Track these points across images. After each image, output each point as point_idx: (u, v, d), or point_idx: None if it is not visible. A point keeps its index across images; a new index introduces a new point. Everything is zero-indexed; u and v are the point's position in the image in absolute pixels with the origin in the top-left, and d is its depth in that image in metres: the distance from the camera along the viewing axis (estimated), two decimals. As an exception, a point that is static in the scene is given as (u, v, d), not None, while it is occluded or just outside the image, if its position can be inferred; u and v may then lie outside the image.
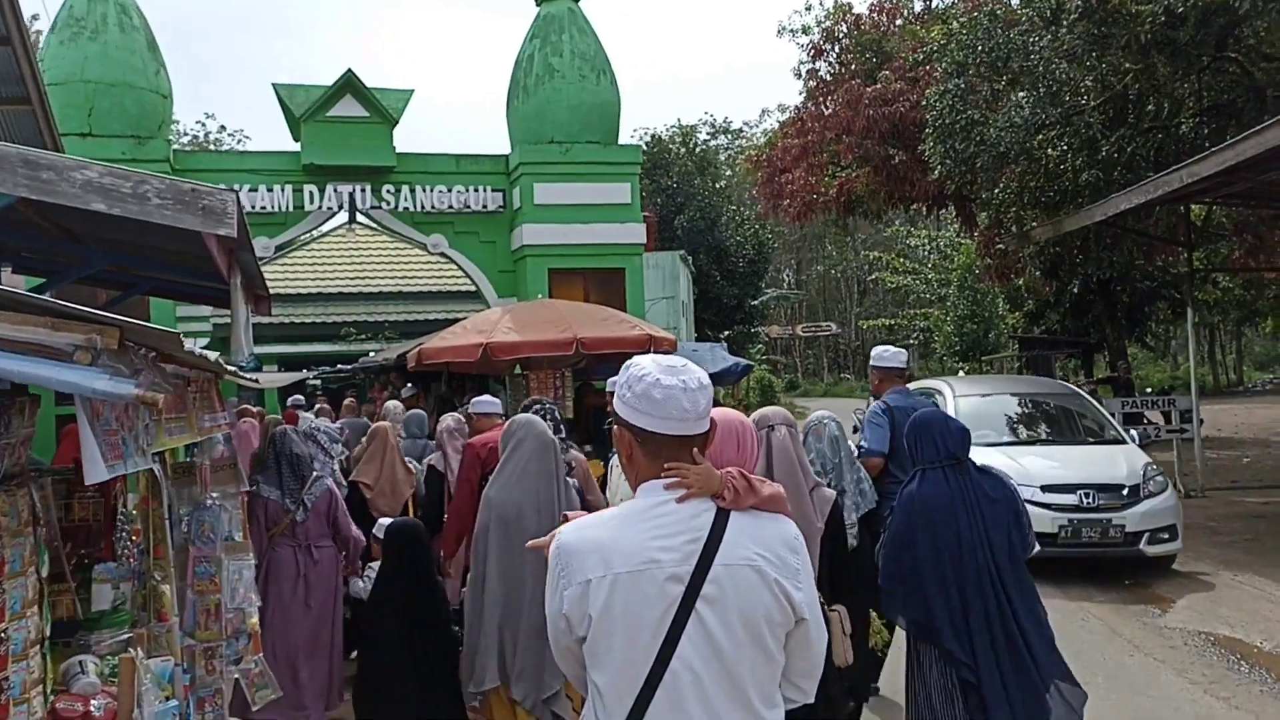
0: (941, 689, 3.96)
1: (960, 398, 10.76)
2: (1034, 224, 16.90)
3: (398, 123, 12.52)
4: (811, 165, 23.60)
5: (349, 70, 12.14)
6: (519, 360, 11.15)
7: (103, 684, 2.89)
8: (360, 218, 13.02)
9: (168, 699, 3.07)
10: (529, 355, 10.44)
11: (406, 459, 8.16)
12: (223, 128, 51.55)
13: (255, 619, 4.80)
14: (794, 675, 2.25)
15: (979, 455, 7.47)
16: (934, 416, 4.23)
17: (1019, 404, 11.22)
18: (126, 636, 3.16)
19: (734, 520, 2.16)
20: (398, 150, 12.54)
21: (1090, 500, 9.12)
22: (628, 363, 2.27)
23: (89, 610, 3.86)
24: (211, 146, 43.96)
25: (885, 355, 6.72)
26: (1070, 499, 9.11)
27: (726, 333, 36.56)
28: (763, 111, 74.00)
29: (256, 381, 9.36)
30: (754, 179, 29.42)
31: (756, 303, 39.14)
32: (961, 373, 29.48)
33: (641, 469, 2.22)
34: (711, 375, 13.83)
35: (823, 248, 70.30)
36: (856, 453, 5.70)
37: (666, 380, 2.16)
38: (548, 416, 5.72)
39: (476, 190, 12.76)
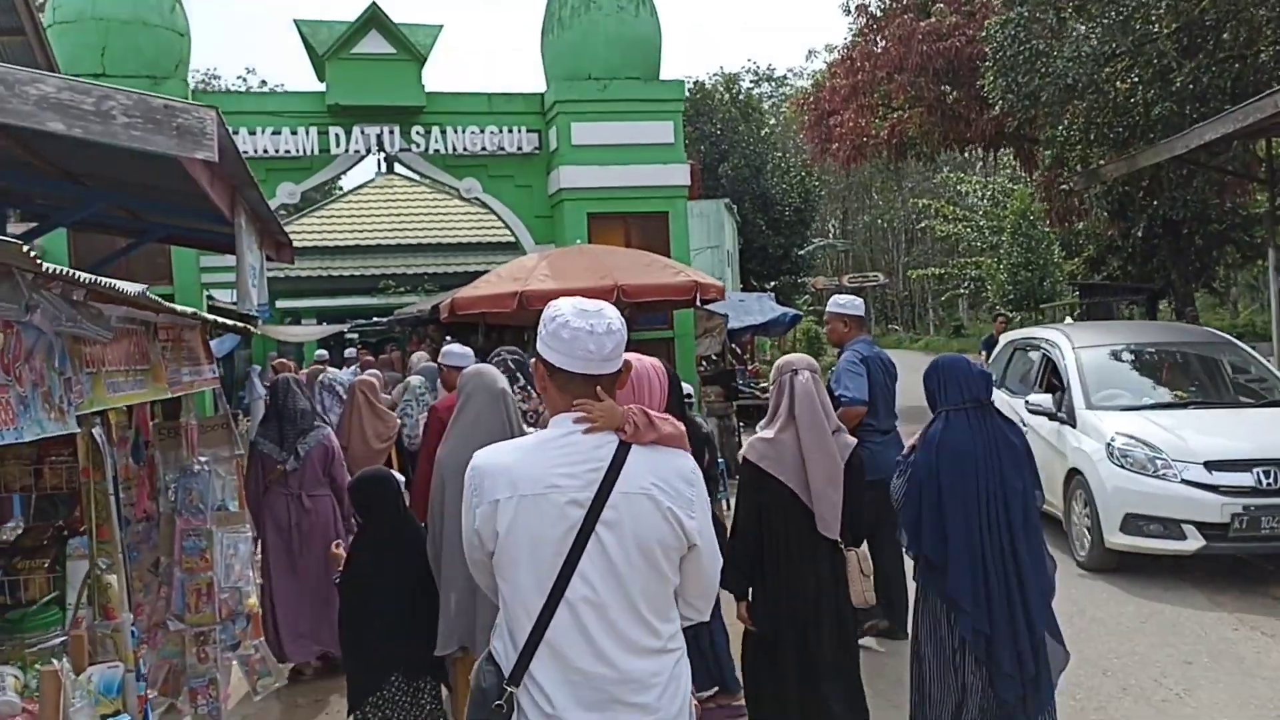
0: (940, 634, 4.04)
1: (1081, 349, 9.13)
2: (1101, 161, 15.92)
3: (426, 60, 11.83)
4: (862, 106, 22.63)
5: (373, 4, 11.45)
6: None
7: (25, 701, 2.32)
8: (392, 163, 12.40)
9: (115, 715, 2.48)
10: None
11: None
12: (263, 82, 50.98)
13: (254, 599, 4.24)
14: (689, 595, 2.46)
15: (1115, 421, 7.77)
16: (957, 360, 4.26)
17: (1157, 356, 9.40)
18: (58, 640, 2.57)
19: (634, 453, 2.34)
20: (427, 89, 11.87)
21: (1272, 480, 7.33)
22: (549, 304, 2.44)
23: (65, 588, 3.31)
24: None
25: (843, 303, 6.65)
26: (1245, 479, 7.35)
27: (773, 283, 35.77)
28: (809, 53, 71.39)
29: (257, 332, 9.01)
30: (800, 122, 28.43)
31: (803, 252, 38.26)
32: (1004, 320, 28.52)
33: (554, 402, 2.41)
34: (759, 325, 13.26)
35: (869, 197, 68.89)
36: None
37: (576, 322, 2.34)
38: (503, 366, 5.28)
39: (511, 131, 12.07)
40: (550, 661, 2.30)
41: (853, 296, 6.83)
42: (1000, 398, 9.49)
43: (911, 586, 4.40)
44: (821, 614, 4.17)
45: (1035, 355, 10.02)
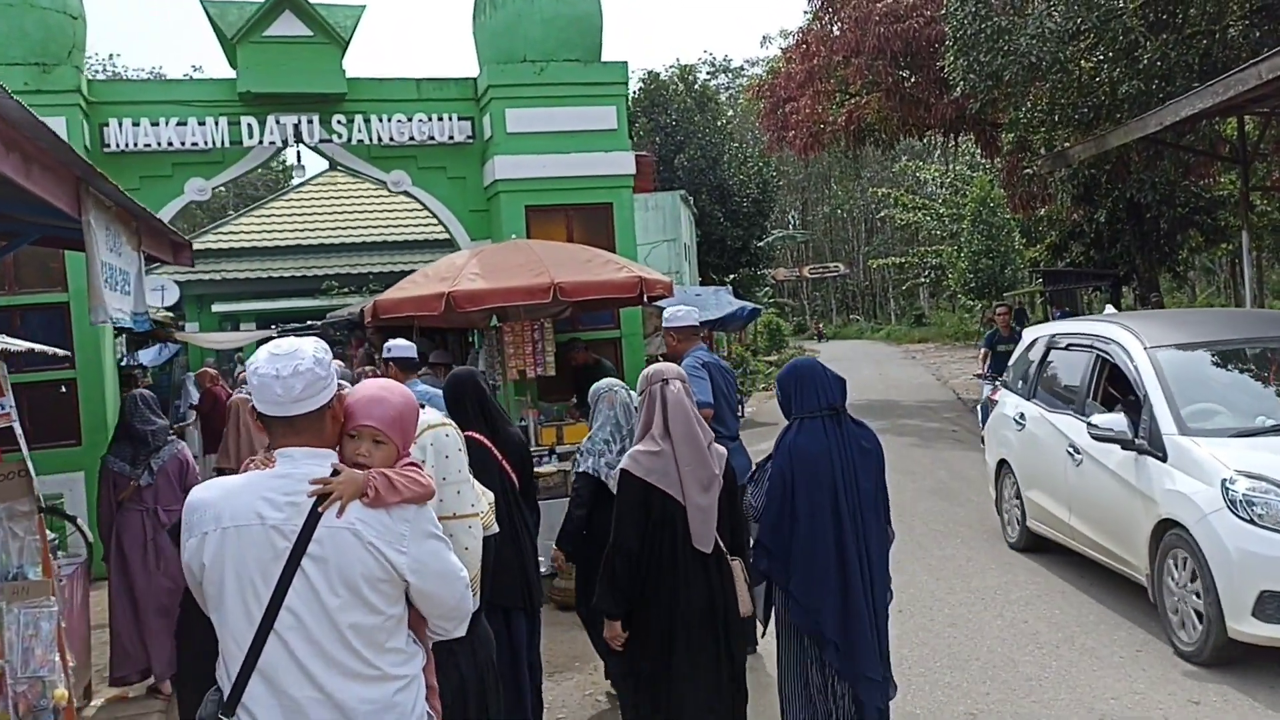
0: (797, 644, 4.10)
1: (1158, 350, 6.96)
2: (1066, 144, 15.28)
3: (348, 44, 10.92)
4: (818, 92, 21.96)
5: (286, -20, 10.54)
6: (490, 311, 9.71)
7: None
8: (312, 154, 11.50)
9: None
10: (498, 305, 8.99)
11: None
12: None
13: (63, 690, 3.39)
14: (431, 619, 2.63)
15: (1229, 453, 6.11)
16: (813, 365, 4.25)
17: (1262, 355, 7.21)
18: None
19: None
20: (349, 75, 10.97)
21: None
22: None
23: None
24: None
25: (679, 315, 6.69)
26: None
27: (732, 276, 35.13)
28: (764, 39, 69.64)
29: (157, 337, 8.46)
30: (756, 111, 27.70)
31: (762, 244, 37.60)
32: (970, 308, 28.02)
33: (269, 443, 2.55)
34: (717, 320, 12.39)
35: (828, 187, 68.55)
36: None
37: (264, 369, 2.45)
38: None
39: (441, 119, 11.18)
40: (263, 690, 2.39)
41: (686, 308, 6.87)
42: (1034, 413, 8.37)
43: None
44: (714, 621, 4.11)
45: (1084, 357, 7.90)
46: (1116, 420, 6.75)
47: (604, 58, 11.60)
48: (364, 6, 11.12)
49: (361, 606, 2.42)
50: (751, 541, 4.32)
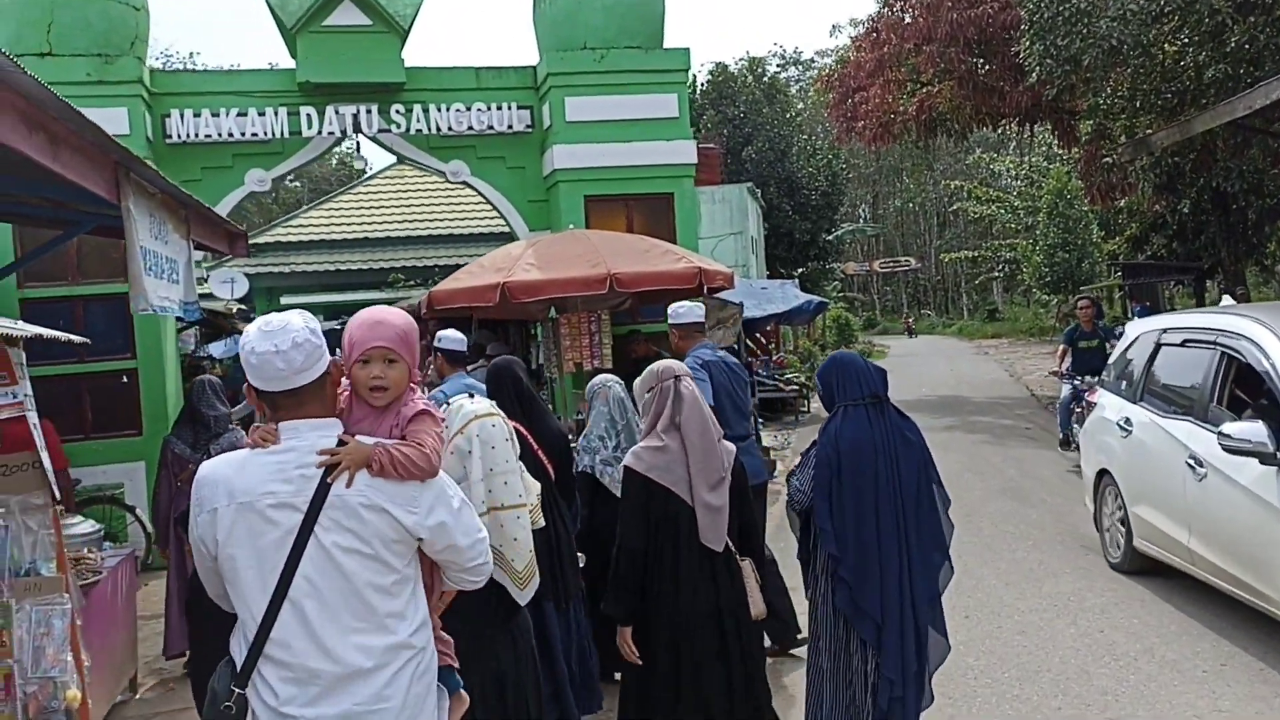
0: (835, 629, 4.01)
1: None
2: (1148, 131, 14.69)
3: (408, 33, 10.84)
4: (888, 81, 21.45)
5: (346, -30, 10.48)
6: (548, 302, 9.55)
7: None
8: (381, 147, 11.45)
9: None
10: (554, 296, 8.82)
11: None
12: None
13: (75, 691, 3.26)
14: (452, 573, 2.69)
15: None
16: (852, 356, 4.27)
17: None
18: None
19: None
20: (408, 65, 10.89)
21: None
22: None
23: None
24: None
25: (682, 312, 6.57)
26: None
27: (800, 270, 34.63)
28: (833, 28, 67.58)
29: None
30: (825, 102, 27.23)
31: (831, 238, 37.04)
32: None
33: (270, 418, 2.55)
34: (783, 314, 12.02)
35: (900, 180, 67.50)
36: None
37: (260, 346, 2.45)
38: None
39: (500, 108, 11.05)
40: (277, 659, 2.43)
41: (689, 303, 6.69)
42: (1143, 418, 7.42)
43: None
44: (723, 623, 4.01)
45: (1205, 355, 6.87)
46: (1255, 430, 5.72)
47: (666, 45, 11.36)
48: (424, -5, 11.02)
49: (376, 564, 2.48)
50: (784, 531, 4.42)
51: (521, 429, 4.73)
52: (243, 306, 24.61)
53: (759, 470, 6.43)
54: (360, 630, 2.45)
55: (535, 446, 4.80)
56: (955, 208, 54.11)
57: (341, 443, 2.50)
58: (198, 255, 10.32)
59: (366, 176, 27.00)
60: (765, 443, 14.13)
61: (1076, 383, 11.45)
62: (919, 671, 3.97)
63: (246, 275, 22.04)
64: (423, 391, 2.86)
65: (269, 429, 2.53)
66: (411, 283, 21.85)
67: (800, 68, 69.53)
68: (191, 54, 46.58)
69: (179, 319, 10.90)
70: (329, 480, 2.43)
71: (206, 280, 22.31)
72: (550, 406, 6.56)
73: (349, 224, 25.07)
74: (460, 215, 24.89)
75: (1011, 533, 9.14)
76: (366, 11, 10.59)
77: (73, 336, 3.43)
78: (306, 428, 2.50)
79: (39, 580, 3.21)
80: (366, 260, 23.67)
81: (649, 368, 4.30)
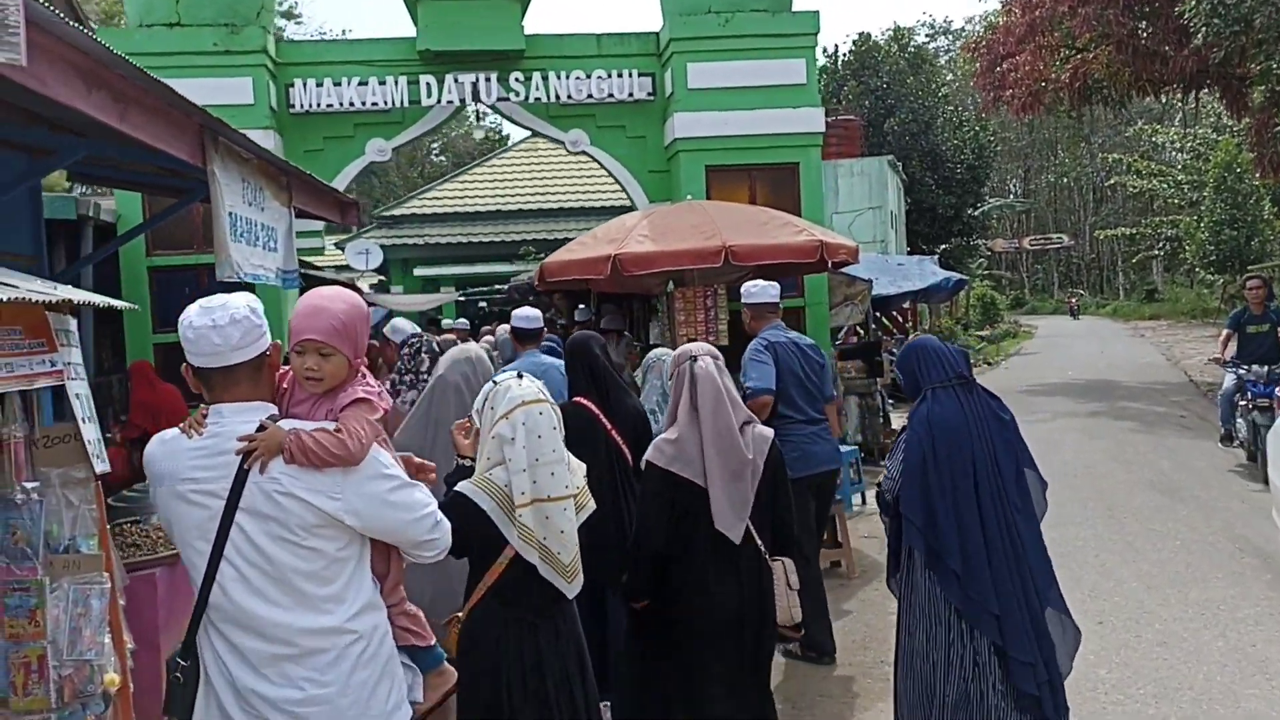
0: (933, 617, 3.76)
1: None
2: (1329, 96, 13.45)
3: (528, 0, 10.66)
4: (1040, 47, 20.27)
5: (466, -65, 10.30)
6: (663, 275, 9.22)
7: None
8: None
9: None
10: (666, 269, 8.49)
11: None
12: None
13: (113, 674, 3.12)
14: (406, 549, 2.68)
15: None
16: (929, 339, 4.12)
17: None
18: None
19: None
20: (528, 32, 10.68)
21: None
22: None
23: None
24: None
25: (754, 291, 6.39)
26: None
27: (943, 246, 33.47)
28: None
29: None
30: (971, 69, 26.05)
31: (977, 213, 35.66)
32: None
33: (207, 397, 2.54)
34: (920, 291, 11.44)
35: (1054, 154, 64.71)
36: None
37: (198, 320, 2.45)
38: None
39: (622, 76, 10.73)
40: (216, 635, 2.48)
41: (764, 282, 6.48)
42: None
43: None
44: (743, 629, 3.81)
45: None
46: None
47: (795, 8, 10.86)
48: (546, -40, 10.78)
49: (303, 550, 2.45)
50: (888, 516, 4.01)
51: (593, 407, 4.68)
52: (383, 277, 25.14)
53: (830, 456, 6.16)
54: (291, 613, 2.44)
55: (609, 426, 4.66)
56: (1112, 182, 51.52)
57: (262, 428, 2.45)
58: (315, 224, 10.39)
59: (501, 149, 27.15)
60: (895, 424, 13.56)
61: (1241, 371, 10.44)
62: (1049, 665, 3.70)
63: (382, 247, 22.46)
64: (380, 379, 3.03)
65: (201, 414, 2.52)
66: (541, 255, 21.82)
67: (950, 37, 67.19)
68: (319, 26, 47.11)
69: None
70: (245, 467, 2.42)
71: (343, 250, 22.84)
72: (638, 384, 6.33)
73: (483, 197, 25.27)
74: (592, 188, 24.79)
75: (1158, 531, 8.44)
76: (487, -23, 10.41)
77: (117, 302, 3.25)
78: (231, 411, 2.49)
79: (78, 558, 3.08)
80: (498, 233, 23.81)
81: (673, 353, 4.13)
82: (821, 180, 10.93)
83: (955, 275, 20.21)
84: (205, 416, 2.53)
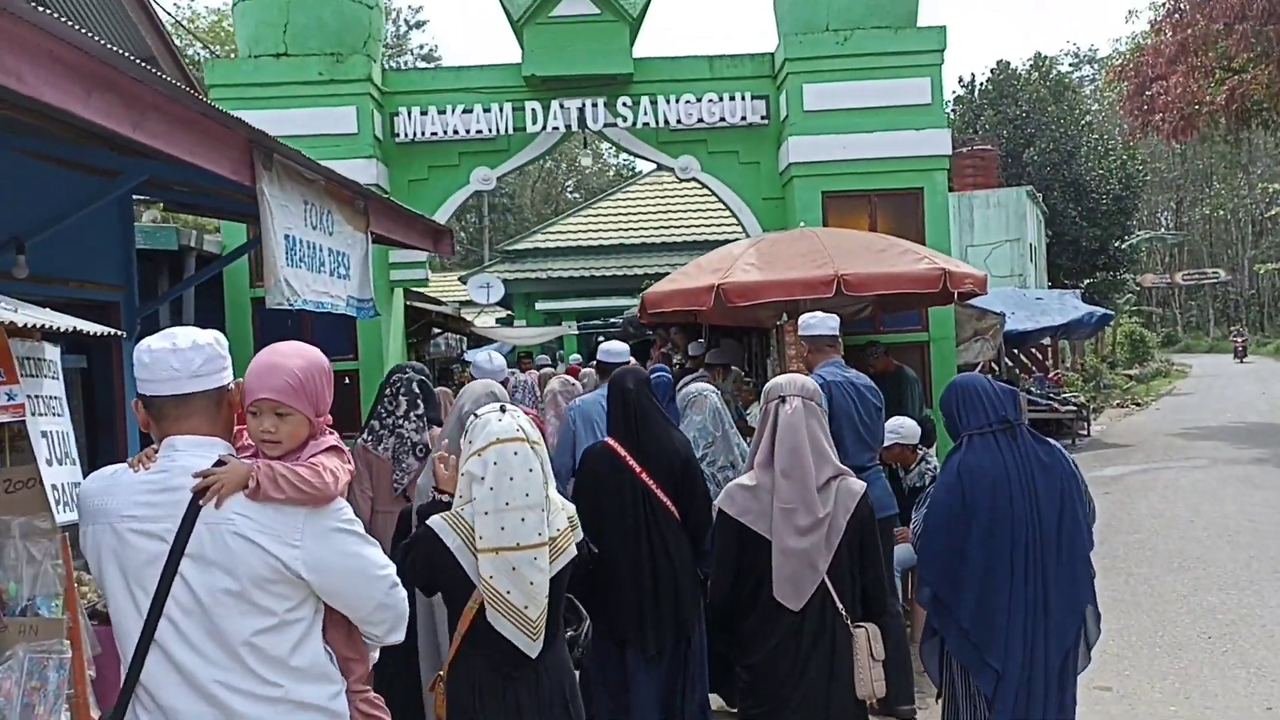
0: (964, 682, 3.55)
1: None
2: None
3: (638, 23, 10.25)
4: (1192, 68, 19.04)
5: (573, -43, 9.99)
6: (773, 307, 8.64)
7: None
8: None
9: None
10: (774, 300, 7.91)
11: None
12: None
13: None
14: (361, 625, 2.41)
15: None
16: (975, 378, 3.76)
17: None
18: None
19: None
20: (636, 55, 10.28)
21: None
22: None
23: None
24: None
25: (813, 323, 6.08)
26: None
27: (1087, 281, 31.87)
28: (1129, 13, 58.04)
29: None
30: (1118, 93, 24.73)
31: (1124, 246, 33.85)
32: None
33: (156, 432, 2.31)
34: (1062, 326, 10.53)
35: (1208, 184, 61.46)
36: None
37: (156, 344, 2.27)
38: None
39: (734, 99, 10.23)
40: (148, 706, 2.23)
41: (822, 314, 6.13)
42: None
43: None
44: (807, 699, 3.47)
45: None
46: None
47: (920, 24, 10.21)
48: (656, -18, 10.39)
49: (252, 611, 2.21)
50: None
51: (619, 448, 4.49)
52: (508, 312, 25.16)
53: (885, 503, 5.68)
54: (234, 684, 2.19)
55: (638, 467, 4.45)
56: (1273, 213, 48.50)
57: (220, 463, 2.25)
58: (418, 254, 10.14)
59: (626, 182, 27.00)
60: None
61: None
62: None
63: (505, 281, 22.45)
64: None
65: (150, 450, 2.31)
66: (662, 289, 21.43)
67: (1095, 66, 64.72)
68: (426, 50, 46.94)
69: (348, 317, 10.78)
70: (200, 504, 2.19)
71: (465, 284, 22.90)
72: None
73: (606, 230, 25.08)
74: (717, 222, 24.32)
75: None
76: (595, 1, 10.06)
77: (97, 327, 2.87)
78: (185, 445, 2.27)
79: (36, 622, 2.69)
80: (621, 267, 23.54)
81: (764, 387, 3.80)
82: (947, 206, 10.18)
83: (1099, 310, 19.04)
84: (151, 455, 2.32)
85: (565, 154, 49.83)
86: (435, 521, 2.95)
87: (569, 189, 55.77)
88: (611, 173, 54.40)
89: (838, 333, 6.11)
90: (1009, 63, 34.86)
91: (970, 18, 77.10)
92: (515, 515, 2.82)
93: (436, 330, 17.07)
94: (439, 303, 14.40)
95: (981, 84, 35.10)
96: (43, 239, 5.45)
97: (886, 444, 6.33)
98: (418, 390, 5.15)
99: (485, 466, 2.86)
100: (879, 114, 9.91)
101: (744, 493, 3.56)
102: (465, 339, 19.16)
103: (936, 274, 7.74)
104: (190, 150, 3.91)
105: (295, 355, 2.41)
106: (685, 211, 25.18)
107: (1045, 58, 36.88)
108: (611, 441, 4.54)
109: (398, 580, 2.45)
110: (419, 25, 46.09)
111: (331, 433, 2.46)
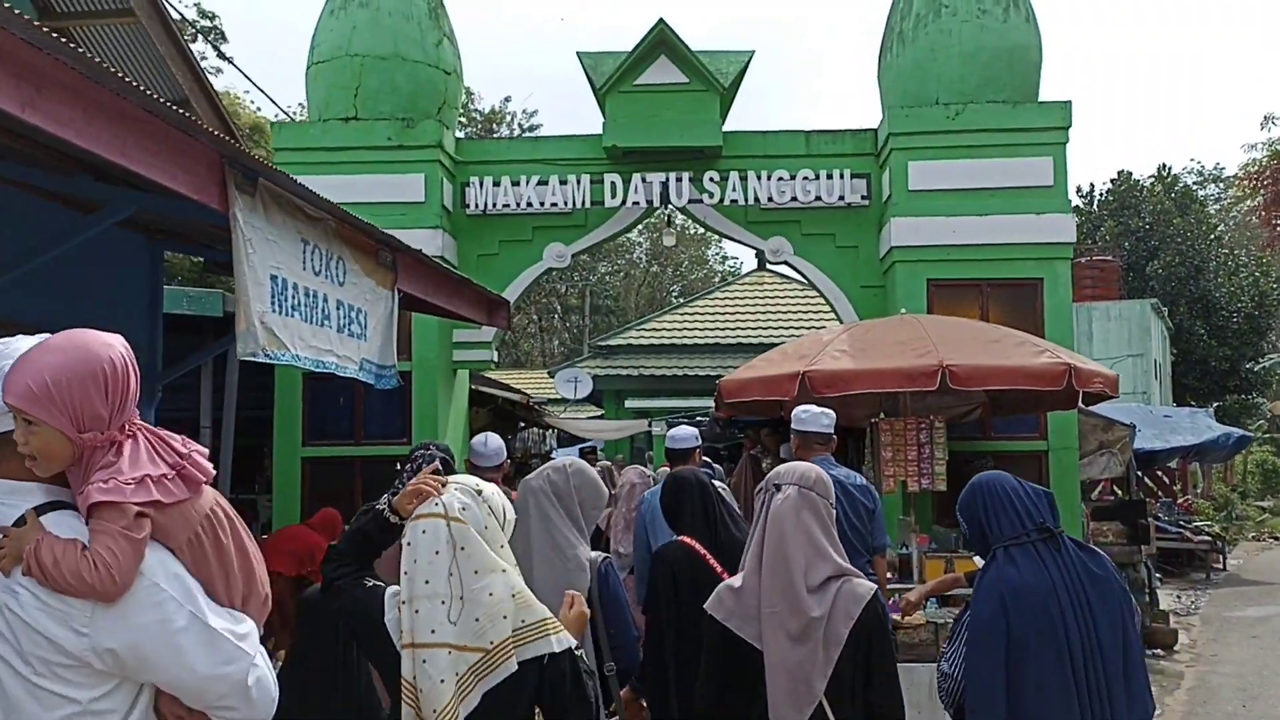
0: None
1: None
2: None
3: (730, 93, 9.51)
4: (1339, 174, 17.63)
5: (661, 22, 9.28)
6: (868, 402, 7.65)
7: None
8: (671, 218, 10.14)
9: None
10: (868, 391, 6.90)
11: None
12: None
13: None
14: (190, 702, 1.99)
15: None
16: (1000, 476, 3.21)
17: None
18: None
19: None
20: (726, 130, 9.53)
21: None
22: None
23: None
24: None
25: (805, 417, 5.75)
26: None
27: (1215, 404, 29.87)
28: (1265, 119, 54.45)
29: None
30: (1254, 201, 23.24)
31: (1256, 368, 31.76)
32: None
33: None
34: (1194, 446, 8.98)
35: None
36: None
37: None
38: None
39: (831, 177, 9.33)
40: None
41: (816, 409, 5.78)
42: None
43: None
44: None
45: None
46: None
47: (1041, 99, 9.25)
48: (751, 52, 9.67)
49: (42, 693, 1.81)
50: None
51: (699, 546, 4.07)
52: (599, 409, 24.40)
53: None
54: None
55: (719, 567, 3.93)
56: None
57: (21, 520, 1.85)
58: (483, 333, 9.40)
59: (726, 282, 26.34)
60: (1164, 605, 11.14)
61: None
62: None
63: (596, 376, 21.74)
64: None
65: None
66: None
67: (1221, 185, 62.47)
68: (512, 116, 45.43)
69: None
70: None
71: (553, 377, 22.26)
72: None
73: (702, 329, 24.28)
74: (818, 322, 23.38)
75: None
76: (683, 68, 9.37)
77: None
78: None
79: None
80: (716, 366, 22.57)
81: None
82: (1070, 300, 9.04)
83: (1236, 431, 17.38)
84: None
85: (671, 258, 49.67)
86: (390, 590, 2.62)
87: (674, 293, 55.45)
88: (718, 278, 53.96)
89: (832, 431, 5.75)
90: (1130, 173, 33.53)
91: (1088, 128, 75.40)
92: (410, 608, 2.45)
93: (523, 425, 16.34)
94: (509, 389, 13.63)
95: (1101, 194, 33.81)
96: (16, 277, 4.76)
97: None
98: (440, 468, 4.51)
99: (405, 547, 2.50)
100: (994, 195, 8.92)
101: (731, 595, 3.15)
102: (555, 435, 18.42)
103: (1060, 369, 6.66)
104: (134, 157, 3.16)
105: (55, 350, 1.90)
106: (785, 312, 24.33)
107: (1169, 169, 35.41)
108: (689, 541, 4.14)
109: (263, 674, 2.02)
110: (533, 129, 46.58)
111: (114, 449, 1.92)
